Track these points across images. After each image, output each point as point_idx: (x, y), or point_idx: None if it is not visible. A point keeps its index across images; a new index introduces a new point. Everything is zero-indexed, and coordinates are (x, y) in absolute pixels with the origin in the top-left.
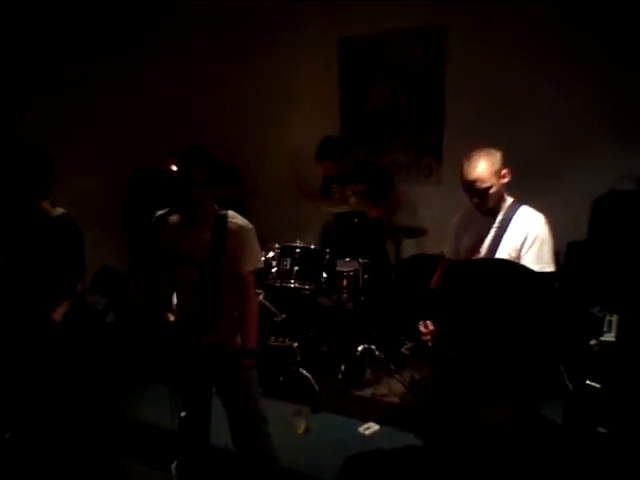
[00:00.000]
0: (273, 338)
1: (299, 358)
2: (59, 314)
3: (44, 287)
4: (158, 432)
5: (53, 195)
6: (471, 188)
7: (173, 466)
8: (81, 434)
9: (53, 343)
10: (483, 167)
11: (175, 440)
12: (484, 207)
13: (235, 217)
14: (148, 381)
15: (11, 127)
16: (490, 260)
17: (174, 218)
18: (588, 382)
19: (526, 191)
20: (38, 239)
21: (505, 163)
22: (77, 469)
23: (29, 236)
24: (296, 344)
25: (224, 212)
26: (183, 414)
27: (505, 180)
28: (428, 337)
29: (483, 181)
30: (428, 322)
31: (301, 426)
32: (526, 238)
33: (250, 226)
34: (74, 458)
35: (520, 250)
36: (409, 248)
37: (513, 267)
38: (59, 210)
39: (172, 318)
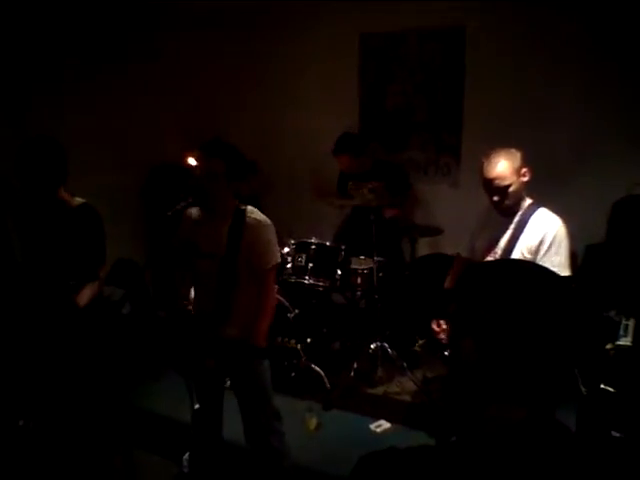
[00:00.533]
0: (280, 339)
1: (304, 359)
2: (83, 299)
3: (66, 275)
4: (171, 423)
5: (70, 189)
6: (491, 185)
7: (185, 457)
8: (95, 424)
9: (75, 330)
10: (504, 165)
11: (188, 432)
12: (503, 205)
13: (254, 212)
14: (162, 373)
15: (25, 123)
16: (508, 261)
17: (193, 211)
18: (602, 386)
19: (544, 193)
20: (59, 227)
21: (525, 162)
22: (89, 458)
23: (51, 225)
24: (299, 345)
25: (244, 207)
26: (197, 406)
27: (525, 179)
28: (441, 336)
29: (503, 179)
30: (441, 321)
31: (312, 422)
32: (543, 240)
33: (269, 222)
34: (87, 447)
35: (536, 252)
36: (424, 247)
37: (531, 268)
38: (79, 200)
39: (190, 308)
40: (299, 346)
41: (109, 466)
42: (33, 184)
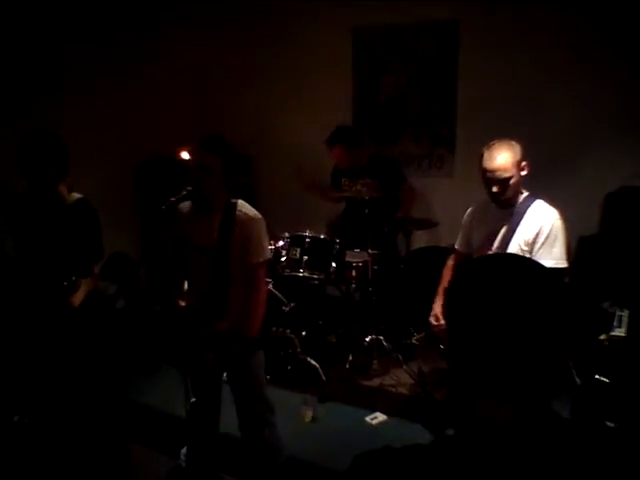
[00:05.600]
0: (274, 328)
1: (299, 349)
2: (78, 299)
3: (62, 271)
4: (168, 418)
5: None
6: (492, 177)
7: (183, 451)
8: (90, 418)
9: (70, 327)
10: (506, 157)
11: (185, 426)
12: (502, 197)
13: (244, 206)
14: (158, 367)
15: (22, 117)
16: (499, 256)
17: (186, 205)
18: (597, 377)
19: (538, 185)
20: (56, 223)
21: (524, 156)
22: (86, 453)
23: (47, 221)
24: (294, 335)
25: (234, 200)
26: (193, 400)
27: (524, 172)
28: (439, 330)
29: (505, 170)
30: (439, 315)
31: (308, 415)
32: (539, 232)
33: (259, 216)
34: (83, 442)
35: (533, 244)
36: (420, 240)
37: (522, 262)
38: (76, 195)
39: (183, 304)
40: (294, 337)
41: (105, 461)
42: (33, 178)
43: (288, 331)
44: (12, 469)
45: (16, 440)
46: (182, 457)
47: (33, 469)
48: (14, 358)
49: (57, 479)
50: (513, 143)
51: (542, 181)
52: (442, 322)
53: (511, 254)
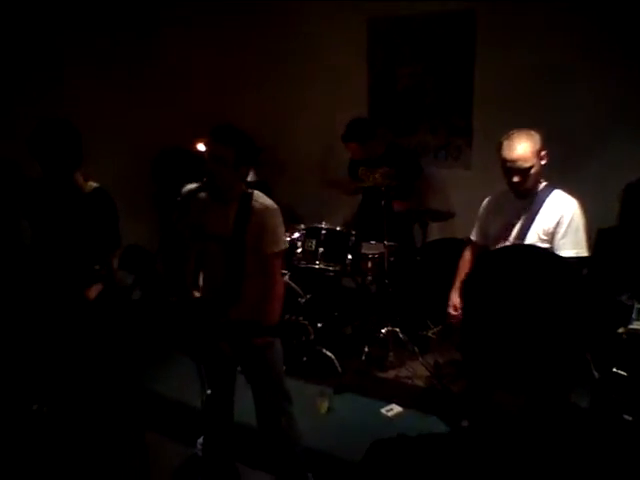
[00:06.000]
0: (287, 316)
1: (312, 336)
2: (93, 292)
3: (79, 262)
4: (185, 408)
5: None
6: (512, 167)
7: (199, 441)
8: (107, 408)
9: (87, 317)
10: (526, 146)
11: (200, 416)
12: (522, 187)
13: (261, 197)
14: (175, 357)
15: (38, 107)
16: (518, 247)
17: (201, 195)
18: (615, 370)
19: (557, 175)
20: (73, 213)
21: (544, 145)
22: (103, 442)
23: (64, 210)
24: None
25: (250, 191)
26: (209, 391)
27: (544, 162)
28: (457, 320)
29: (525, 160)
30: (458, 305)
31: (324, 406)
32: (560, 222)
33: (275, 207)
34: (100, 431)
35: (553, 234)
36: (436, 231)
37: (541, 253)
38: (93, 184)
39: (197, 295)
40: (307, 323)
41: (123, 448)
42: (49, 168)
43: (301, 318)
44: (31, 457)
45: (35, 428)
46: (198, 446)
47: (52, 456)
48: (32, 348)
49: (75, 466)
50: (532, 132)
51: (561, 172)
52: (460, 311)
53: (530, 245)
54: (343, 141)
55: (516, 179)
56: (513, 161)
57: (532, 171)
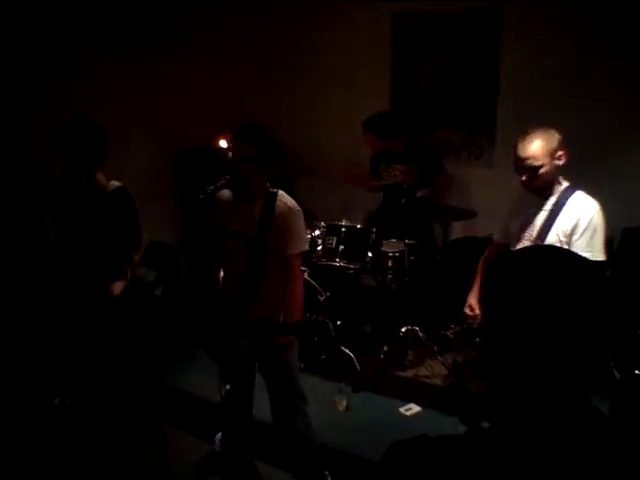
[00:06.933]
0: (308, 314)
1: (333, 334)
2: (118, 288)
3: (103, 259)
4: (205, 403)
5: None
6: (522, 165)
7: (217, 437)
8: (128, 403)
9: (110, 313)
10: (537, 145)
11: (219, 411)
12: (531, 186)
13: (284, 197)
14: (194, 353)
15: (56, 107)
16: (538, 247)
17: (225, 194)
18: (637, 372)
19: (581, 176)
20: (96, 212)
21: (563, 145)
22: (123, 436)
23: (88, 208)
24: (329, 322)
25: (274, 190)
26: (228, 387)
27: (560, 162)
28: (474, 321)
29: (535, 159)
30: (474, 306)
31: (342, 404)
32: (577, 224)
33: (298, 208)
34: (120, 426)
35: (571, 235)
36: (457, 230)
37: (562, 254)
38: (115, 183)
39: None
40: (329, 321)
41: (142, 443)
42: (73, 162)
43: (321, 316)
44: (52, 450)
45: (56, 421)
46: (217, 442)
47: (73, 449)
48: (55, 343)
49: (96, 459)
50: (552, 132)
51: (586, 172)
52: (477, 312)
53: (550, 245)
54: (362, 127)
55: (524, 177)
56: (522, 159)
57: (542, 170)
